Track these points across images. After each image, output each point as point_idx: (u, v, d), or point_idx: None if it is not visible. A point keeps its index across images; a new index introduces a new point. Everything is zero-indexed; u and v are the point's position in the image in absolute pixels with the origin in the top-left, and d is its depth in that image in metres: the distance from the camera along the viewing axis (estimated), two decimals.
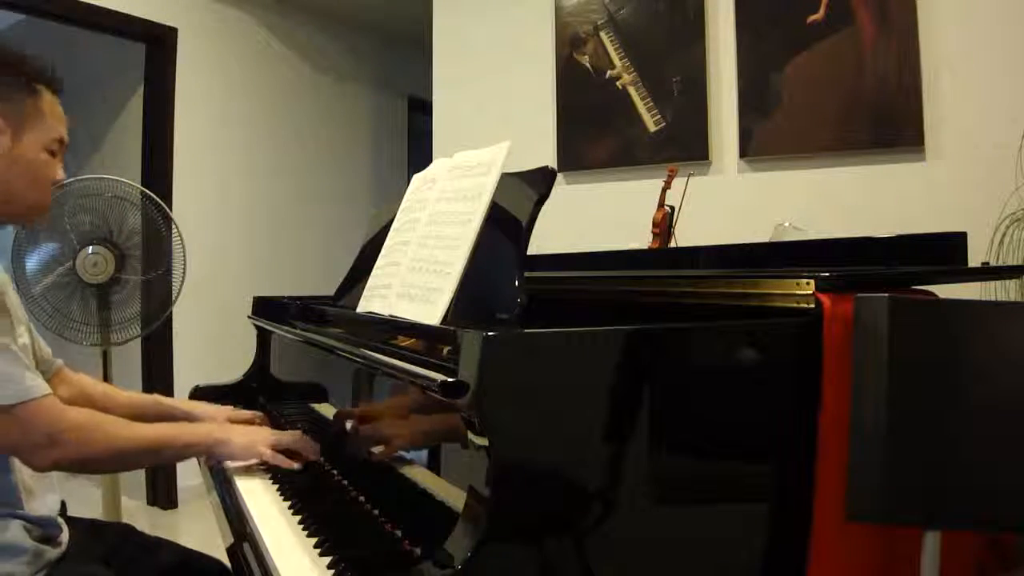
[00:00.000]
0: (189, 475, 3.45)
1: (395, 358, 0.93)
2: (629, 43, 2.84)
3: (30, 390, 1.05)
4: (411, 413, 1.05)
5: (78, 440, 1.08)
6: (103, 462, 1.18)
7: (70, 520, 1.24)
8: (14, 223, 1.56)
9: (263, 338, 1.86)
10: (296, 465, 1.26)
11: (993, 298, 1.88)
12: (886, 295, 0.86)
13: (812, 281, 0.95)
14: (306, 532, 1.01)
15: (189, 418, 1.46)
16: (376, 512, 1.05)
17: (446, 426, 0.89)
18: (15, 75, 1.18)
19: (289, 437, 1.30)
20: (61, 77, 1.24)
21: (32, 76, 1.19)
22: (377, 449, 1.13)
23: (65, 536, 1.18)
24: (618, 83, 2.86)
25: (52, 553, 1.11)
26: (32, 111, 1.18)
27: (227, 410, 1.52)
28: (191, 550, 1.37)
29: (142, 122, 3.62)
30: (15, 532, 1.06)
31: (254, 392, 1.82)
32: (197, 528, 3.02)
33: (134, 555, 1.29)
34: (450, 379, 0.77)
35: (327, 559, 0.91)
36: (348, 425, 1.27)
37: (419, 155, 4.70)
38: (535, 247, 1.05)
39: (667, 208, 2.06)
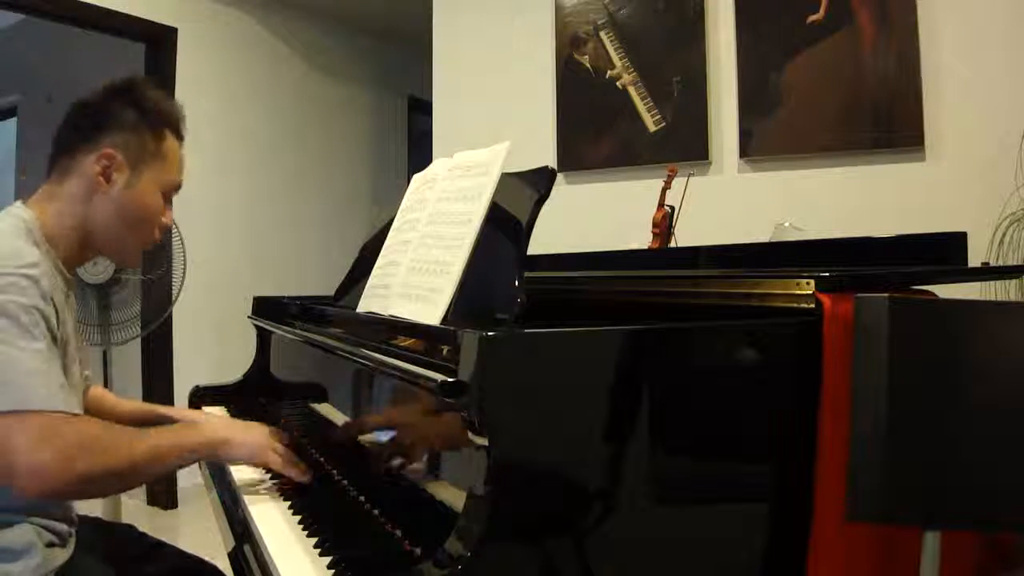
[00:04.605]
0: (189, 475, 3.42)
1: (395, 358, 0.93)
2: (629, 43, 2.84)
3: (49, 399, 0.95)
4: (411, 413, 1.05)
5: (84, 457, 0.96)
6: (109, 484, 1.07)
7: (78, 520, 1.23)
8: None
9: (263, 338, 1.86)
10: (305, 478, 1.17)
11: (993, 298, 1.88)
12: (886, 295, 0.86)
13: (812, 281, 0.95)
14: (306, 532, 1.01)
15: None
16: (376, 512, 1.05)
17: (446, 426, 0.89)
18: (142, 114, 1.16)
19: (284, 455, 1.19)
20: (185, 125, 1.23)
21: (158, 118, 1.18)
22: (377, 450, 1.13)
23: (74, 538, 1.17)
24: (618, 83, 2.86)
25: (61, 556, 1.11)
26: (154, 151, 1.18)
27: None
28: (192, 555, 1.36)
29: None
30: (26, 534, 1.05)
31: (254, 392, 1.82)
32: (197, 528, 3.02)
33: (138, 557, 1.28)
34: (450, 379, 0.77)
35: (327, 559, 0.91)
36: (347, 425, 1.26)
37: (419, 155, 4.70)
38: (535, 247, 1.05)
39: (667, 208, 2.06)
